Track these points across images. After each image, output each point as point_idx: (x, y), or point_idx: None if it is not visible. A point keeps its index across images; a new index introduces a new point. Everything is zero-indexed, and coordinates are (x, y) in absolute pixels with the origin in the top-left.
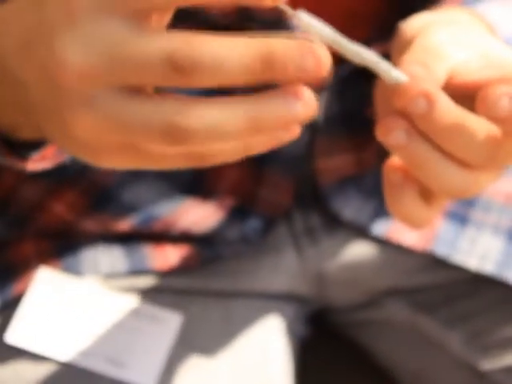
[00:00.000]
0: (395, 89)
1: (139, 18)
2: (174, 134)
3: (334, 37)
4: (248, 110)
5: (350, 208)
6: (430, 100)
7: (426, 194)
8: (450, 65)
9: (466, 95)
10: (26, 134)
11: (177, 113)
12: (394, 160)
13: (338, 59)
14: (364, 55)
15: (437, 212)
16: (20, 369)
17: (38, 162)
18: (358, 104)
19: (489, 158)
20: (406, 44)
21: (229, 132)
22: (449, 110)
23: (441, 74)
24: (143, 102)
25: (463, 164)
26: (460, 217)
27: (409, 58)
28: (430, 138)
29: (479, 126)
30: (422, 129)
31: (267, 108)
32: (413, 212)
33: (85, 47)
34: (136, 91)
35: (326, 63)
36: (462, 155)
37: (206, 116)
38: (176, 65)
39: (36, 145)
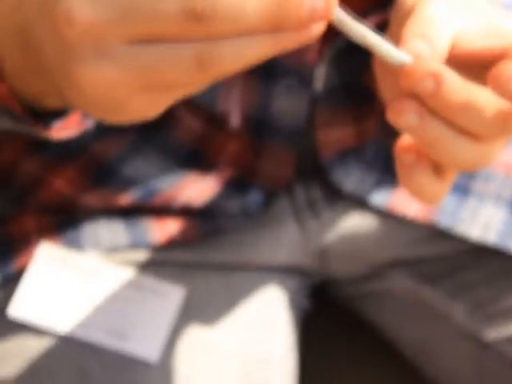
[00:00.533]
0: (400, 70)
1: None
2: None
3: (336, 14)
4: None
5: (351, 180)
6: (437, 80)
7: (438, 170)
8: (451, 35)
9: (467, 64)
10: (50, 102)
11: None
12: (405, 140)
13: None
14: (366, 36)
15: (448, 185)
16: (23, 343)
17: (62, 130)
18: (357, 75)
19: (499, 130)
20: (406, 14)
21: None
22: (457, 88)
23: (444, 46)
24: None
25: (474, 137)
26: (462, 188)
27: (410, 30)
28: (440, 116)
29: (488, 100)
30: (432, 107)
31: None
32: (427, 189)
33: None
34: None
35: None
36: (472, 130)
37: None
38: (195, 13)
39: (61, 114)
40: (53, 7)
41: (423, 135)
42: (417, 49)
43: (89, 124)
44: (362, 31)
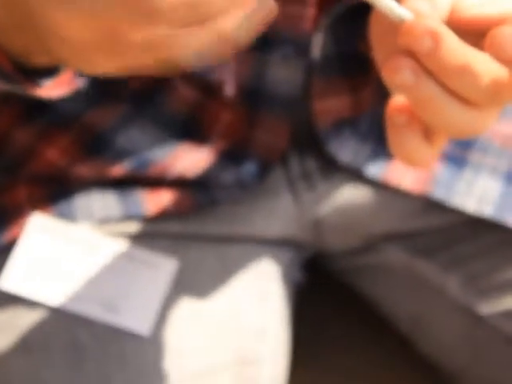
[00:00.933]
0: (399, 27)
1: None
2: None
3: None
4: None
5: (346, 151)
6: (435, 39)
7: (428, 134)
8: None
9: (464, 31)
10: (38, 59)
11: None
12: (397, 101)
13: None
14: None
15: (438, 152)
16: (14, 314)
17: (52, 89)
18: (354, 44)
19: (492, 99)
20: None
21: None
22: (455, 49)
23: (444, 7)
24: None
25: (468, 103)
26: (457, 159)
27: None
28: (435, 77)
29: (485, 65)
30: (427, 67)
31: None
32: (416, 152)
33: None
34: None
35: None
36: (466, 95)
37: None
38: None
39: (52, 73)
40: None
41: (417, 94)
42: (417, 6)
43: (80, 84)
44: None
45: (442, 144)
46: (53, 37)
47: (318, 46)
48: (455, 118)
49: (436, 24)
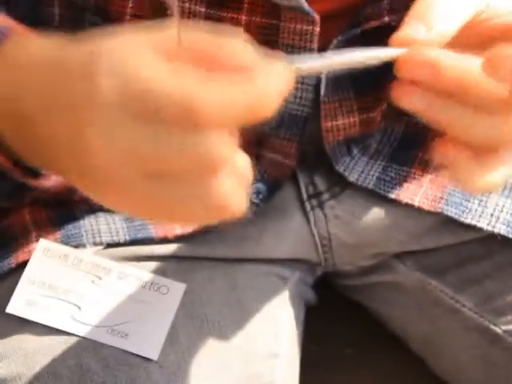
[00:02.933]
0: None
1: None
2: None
3: (323, 64)
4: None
5: (356, 170)
6: (433, 68)
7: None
8: (470, 11)
9: (496, 38)
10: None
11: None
12: (438, 143)
13: (341, 21)
14: (335, 62)
15: (499, 167)
16: (21, 339)
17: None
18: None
19: (506, 104)
20: None
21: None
22: (454, 70)
23: (445, 27)
24: None
25: (487, 111)
26: None
27: (410, 14)
28: (444, 95)
29: (487, 81)
30: (435, 88)
31: None
32: (478, 176)
33: (108, 145)
34: None
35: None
36: (478, 105)
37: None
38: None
39: None
40: (66, 125)
41: (433, 117)
42: (412, 32)
43: None
44: (346, 59)
45: (502, 158)
46: (83, 167)
47: None
48: (476, 127)
49: (432, 52)
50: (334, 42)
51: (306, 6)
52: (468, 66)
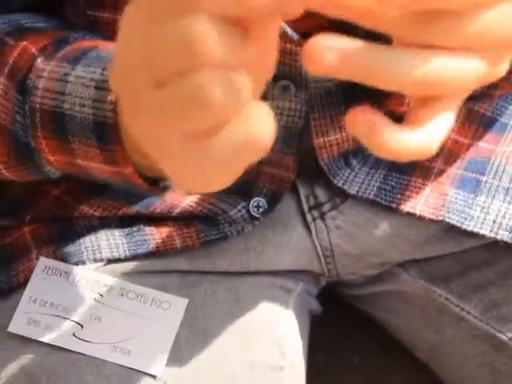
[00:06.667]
0: None
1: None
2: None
3: None
4: None
5: (356, 182)
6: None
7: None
8: None
9: None
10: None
11: None
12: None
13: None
14: None
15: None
16: (23, 357)
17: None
18: None
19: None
20: None
21: None
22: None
23: None
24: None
25: (458, 49)
26: (471, 183)
27: None
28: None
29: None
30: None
31: None
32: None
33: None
34: None
35: None
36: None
37: None
38: None
39: None
40: None
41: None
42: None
43: None
44: None
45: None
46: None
47: (318, 79)
48: (460, 72)
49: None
50: None
51: None
52: None
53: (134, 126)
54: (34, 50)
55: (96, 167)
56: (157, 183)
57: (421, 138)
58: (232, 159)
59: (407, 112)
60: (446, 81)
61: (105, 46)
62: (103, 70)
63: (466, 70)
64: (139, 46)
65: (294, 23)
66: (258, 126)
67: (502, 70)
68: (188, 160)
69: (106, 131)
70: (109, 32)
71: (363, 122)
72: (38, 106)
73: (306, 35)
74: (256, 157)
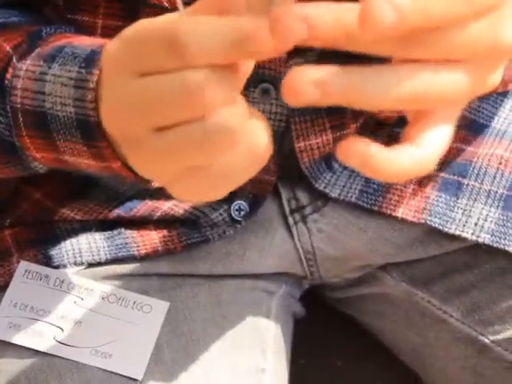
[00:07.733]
0: None
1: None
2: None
3: None
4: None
5: (338, 185)
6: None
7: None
8: None
9: None
10: None
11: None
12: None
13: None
14: None
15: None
16: (3, 361)
17: None
18: None
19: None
20: None
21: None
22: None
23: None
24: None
25: (442, 64)
26: (453, 186)
27: None
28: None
29: None
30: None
31: None
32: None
33: (115, 107)
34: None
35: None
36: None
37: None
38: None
39: None
40: None
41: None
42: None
43: None
44: None
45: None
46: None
47: None
48: (450, 85)
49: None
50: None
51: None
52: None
53: (135, 163)
54: (8, 48)
55: (83, 163)
56: None
57: (417, 156)
58: (234, 178)
59: (404, 130)
60: (435, 94)
61: (77, 41)
62: (80, 67)
63: (455, 82)
64: (133, 96)
65: None
66: (258, 141)
67: (495, 80)
68: (191, 184)
69: (89, 129)
70: (88, 35)
71: (355, 155)
72: (19, 106)
73: None
74: (258, 169)
